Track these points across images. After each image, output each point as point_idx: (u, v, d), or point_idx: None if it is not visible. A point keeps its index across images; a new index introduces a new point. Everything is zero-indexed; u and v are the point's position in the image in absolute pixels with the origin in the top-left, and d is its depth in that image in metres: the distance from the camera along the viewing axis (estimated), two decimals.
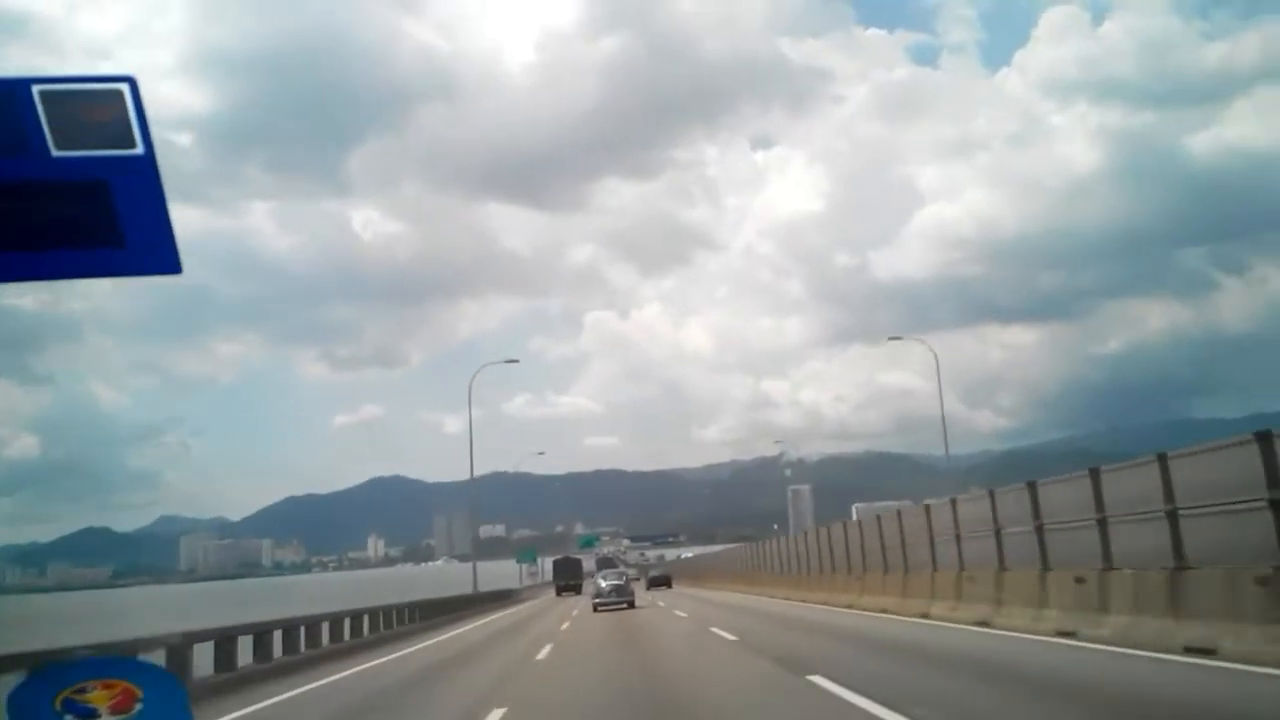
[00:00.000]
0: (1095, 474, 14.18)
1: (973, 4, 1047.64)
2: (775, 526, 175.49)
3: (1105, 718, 8.65)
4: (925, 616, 20.25)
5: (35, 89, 1.92)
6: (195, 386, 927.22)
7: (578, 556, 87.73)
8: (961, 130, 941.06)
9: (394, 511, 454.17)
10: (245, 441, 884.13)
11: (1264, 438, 10.42)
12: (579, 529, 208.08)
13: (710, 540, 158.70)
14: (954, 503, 20.99)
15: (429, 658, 21.47)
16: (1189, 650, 10.90)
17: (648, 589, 64.55)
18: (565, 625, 28.91)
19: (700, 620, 26.29)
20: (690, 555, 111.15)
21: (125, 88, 1.93)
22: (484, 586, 55.23)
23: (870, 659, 14.17)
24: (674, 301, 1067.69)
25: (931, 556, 21.83)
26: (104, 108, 1.92)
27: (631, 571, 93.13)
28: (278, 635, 19.94)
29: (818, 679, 11.32)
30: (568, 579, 71.07)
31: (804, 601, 31.44)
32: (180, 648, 14.98)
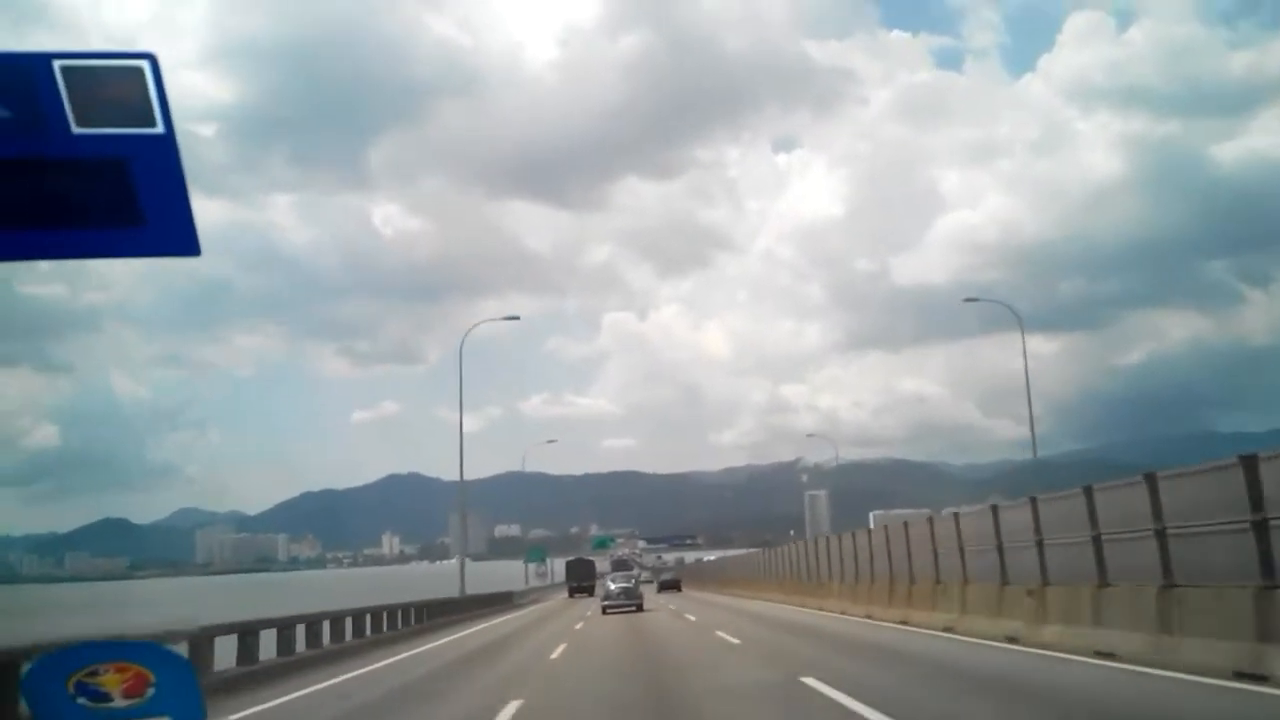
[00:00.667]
0: (1089, 491, 14.78)
1: (998, 8, 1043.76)
2: (792, 532, 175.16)
3: (1018, 704, 10.45)
4: (905, 623, 21.45)
5: (56, 64, 1.91)
6: (215, 379, 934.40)
7: (591, 558, 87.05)
8: (984, 135, 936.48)
9: (410, 509, 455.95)
10: (264, 435, 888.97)
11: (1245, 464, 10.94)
12: (594, 530, 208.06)
13: (728, 544, 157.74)
14: (957, 517, 21.66)
15: None
16: (1097, 654, 13.15)
17: (658, 591, 65.64)
18: (557, 653, 20.23)
19: (707, 624, 26.97)
20: (712, 558, 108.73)
21: (146, 65, 1.92)
22: (485, 588, 50.95)
23: (861, 663, 15.00)
24: (692, 303, 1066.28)
25: (935, 568, 22.12)
26: (124, 85, 1.92)
27: (644, 574, 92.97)
28: None
29: (810, 680, 12.18)
30: (580, 580, 70.94)
31: (820, 610, 31.20)
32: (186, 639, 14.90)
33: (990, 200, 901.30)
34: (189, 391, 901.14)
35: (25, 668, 3.02)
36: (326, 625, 22.51)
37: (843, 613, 27.30)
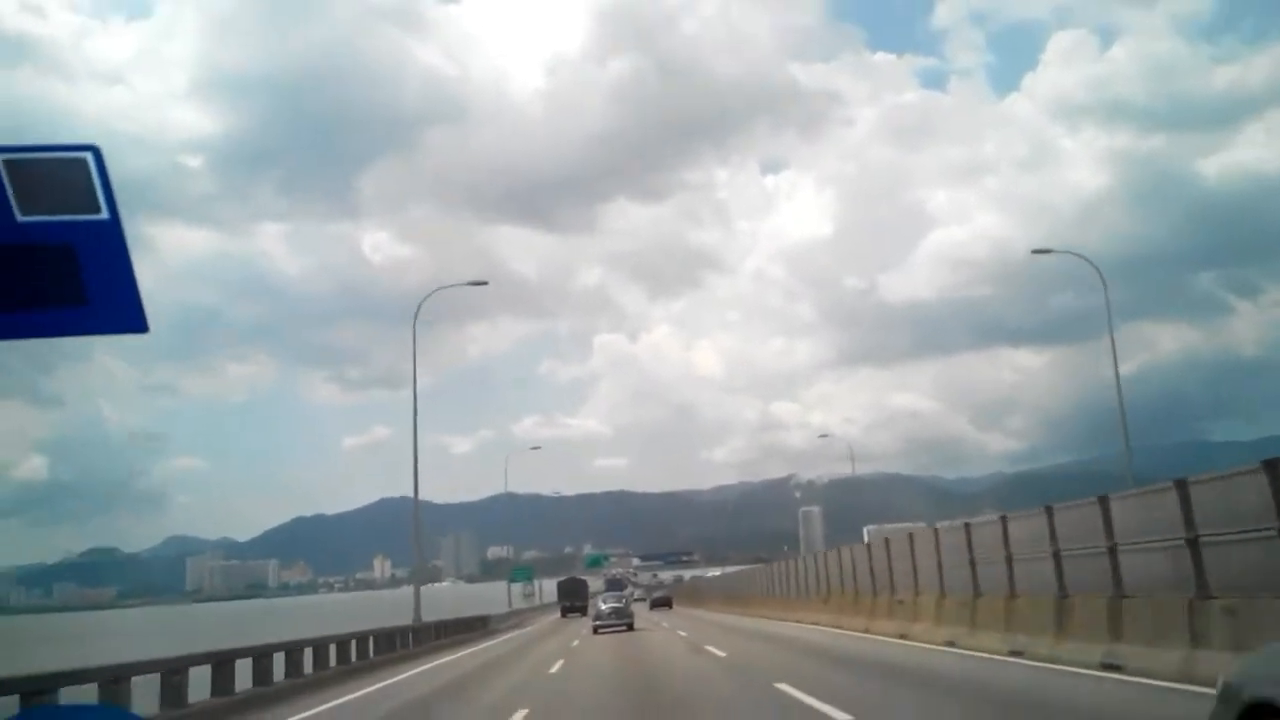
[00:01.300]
0: (1049, 510, 16.14)
1: (981, 28, 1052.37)
2: (786, 548, 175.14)
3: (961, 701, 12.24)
4: (904, 636, 22.26)
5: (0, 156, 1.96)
6: (205, 407, 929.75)
7: (583, 577, 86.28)
8: (971, 154, 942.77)
9: (402, 533, 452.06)
10: (255, 462, 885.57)
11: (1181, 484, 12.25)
12: (588, 550, 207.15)
13: (722, 561, 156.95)
14: (936, 532, 22.61)
15: None
16: (1012, 652, 15.73)
17: (650, 609, 68.37)
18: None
19: (697, 639, 28.30)
20: (714, 574, 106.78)
21: (89, 156, 1.97)
22: (464, 611, 46.65)
23: (835, 672, 16.49)
24: (683, 324, 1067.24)
25: (914, 582, 23.26)
26: (68, 174, 1.96)
27: (637, 593, 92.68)
28: None
29: (784, 686, 13.63)
30: (573, 600, 70.68)
31: (814, 624, 31.39)
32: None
33: (979, 217, 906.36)
34: (179, 420, 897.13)
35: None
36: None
37: (838, 627, 27.64)
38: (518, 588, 78.01)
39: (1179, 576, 12.00)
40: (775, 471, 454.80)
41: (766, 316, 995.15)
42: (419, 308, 37.82)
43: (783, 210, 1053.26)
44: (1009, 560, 17.40)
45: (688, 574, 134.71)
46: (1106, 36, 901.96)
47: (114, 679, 13.27)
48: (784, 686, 13.67)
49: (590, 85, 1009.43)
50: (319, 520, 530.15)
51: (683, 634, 32.39)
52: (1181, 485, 12.00)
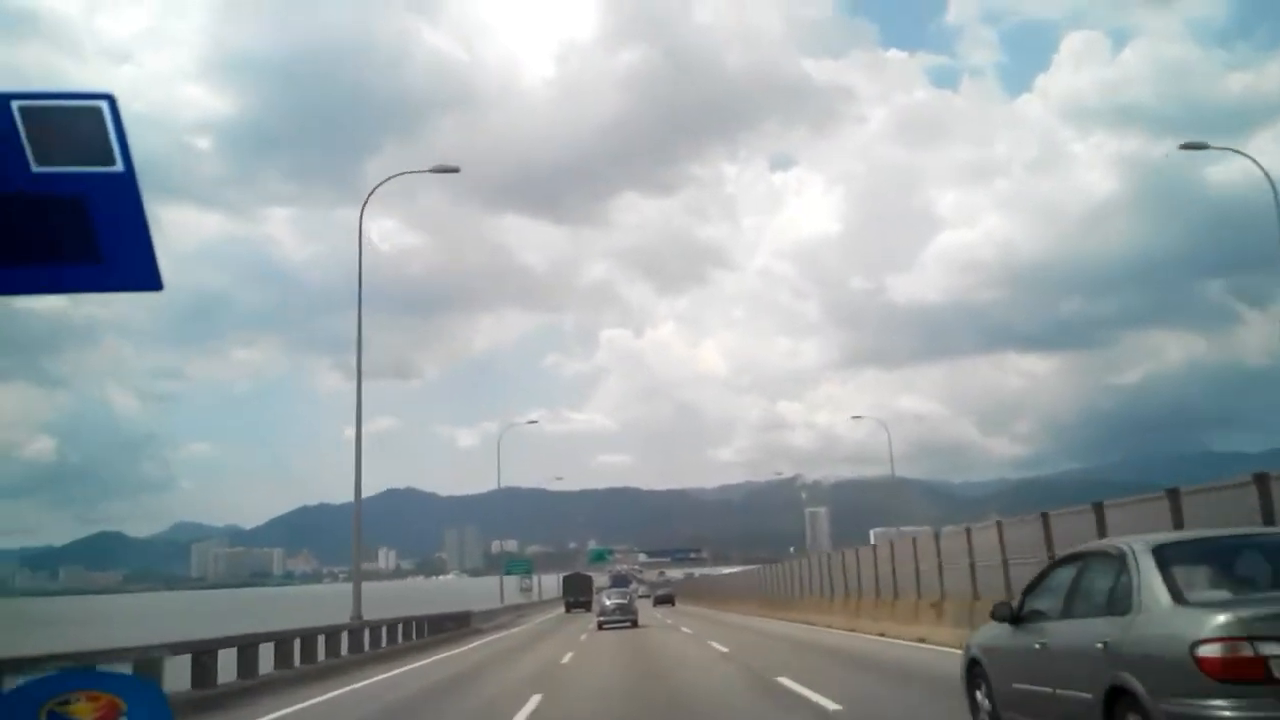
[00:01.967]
0: (1045, 517, 16.87)
1: (994, 27, 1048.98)
2: (792, 549, 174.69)
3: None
4: (922, 640, 22.76)
5: (15, 104, 1.92)
6: (212, 392, 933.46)
7: (588, 573, 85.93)
8: (981, 154, 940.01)
9: (407, 524, 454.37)
10: (261, 449, 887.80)
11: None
12: (593, 545, 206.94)
13: (726, 561, 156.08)
14: (936, 537, 23.50)
15: None
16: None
17: (654, 605, 71.07)
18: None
19: (702, 637, 28.93)
20: (725, 573, 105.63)
21: (104, 105, 1.93)
22: (459, 605, 43.14)
23: (834, 668, 17.06)
24: (689, 321, 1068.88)
25: (916, 584, 23.85)
26: (83, 124, 1.92)
27: (642, 589, 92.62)
28: None
29: (784, 679, 14.39)
30: (578, 595, 70.50)
31: (822, 626, 31.34)
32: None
33: (987, 219, 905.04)
34: (186, 405, 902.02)
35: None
36: None
37: (846, 629, 27.44)
38: (514, 581, 73.14)
39: None
40: (781, 471, 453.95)
41: (773, 315, 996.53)
42: (370, 194, 30.70)
43: (791, 208, 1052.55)
44: (1005, 565, 17.99)
45: (698, 571, 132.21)
46: (1120, 39, 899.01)
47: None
48: (784, 680, 14.41)
49: (600, 75, 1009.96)
50: (324, 509, 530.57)
51: (687, 631, 32.84)
52: (1174, 495, 12.57)
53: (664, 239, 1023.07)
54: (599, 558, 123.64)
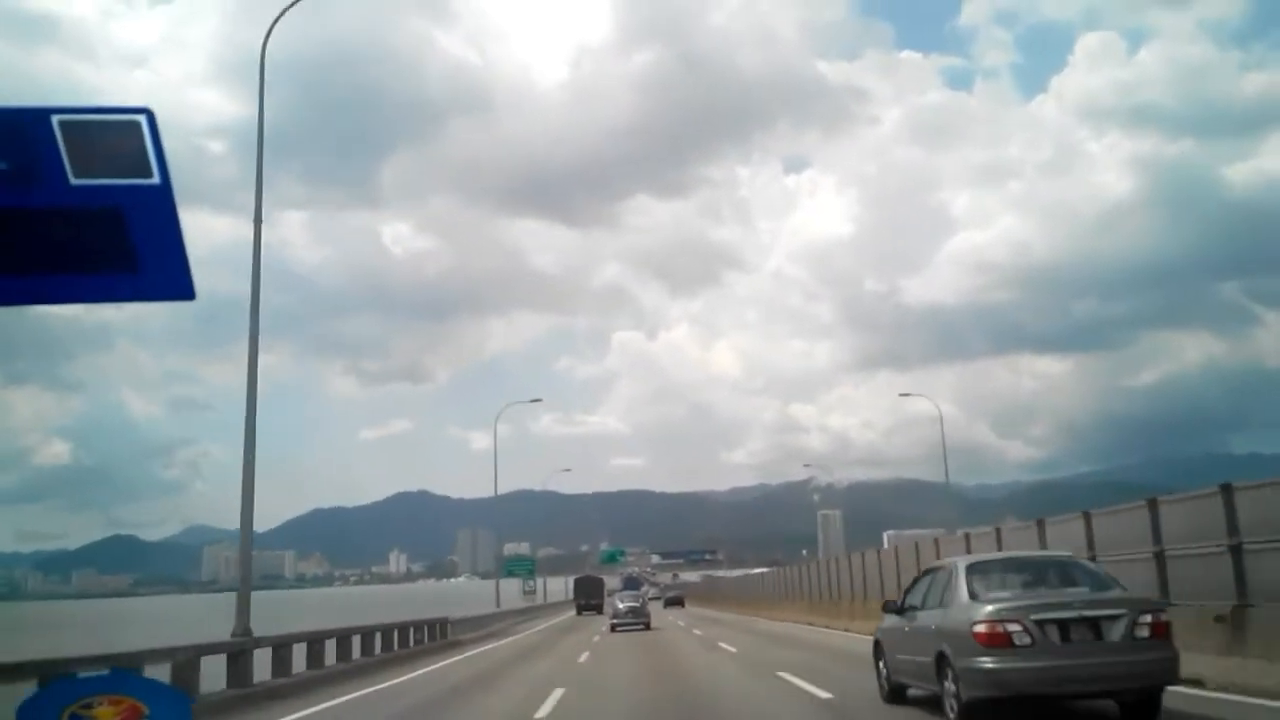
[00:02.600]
0: (1041, 523, 18.12)
1: (1009, 28, 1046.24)
2: (804, 551, 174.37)
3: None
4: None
5: (55, 119, 1.97)
6: (225, 396, 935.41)
7: (600, 575, 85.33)
8: (995, 156, 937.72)
9: (418, 527, 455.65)
10: (273, 452, 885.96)
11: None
12: (604, 548, 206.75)
13: (740, 563, 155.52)
14: (937, 542, 24.43)
15: None
16: None
17: (664, 607, 72.52)
18: None
19: (712, 638, 29.76)
20: (740, 575, 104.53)
21: (143, 119, 1.98)
22: (434, 611, 34.41)
23: (834, 666, 17.96)
24: (702, 323, 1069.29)
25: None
26: (121, 138, 1.97)
27: (653, 591, 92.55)
28: None
29: (784, 674, 15.88)
30: (588, 598, 69.95)
31: (826, 627, 31.58)
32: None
33: (1001, 221, 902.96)
34: (198, 408, 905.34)
35: (17, 695, 3.03)
36: None
37: (853, 631, 27.58)
38: (515, 584, 68.32)
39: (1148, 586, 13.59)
40: (793, 474, 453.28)
41: (786, 317, 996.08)
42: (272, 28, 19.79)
43: (804, 210, 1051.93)
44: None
45: (715, 574, 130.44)
46: (1135, 39, 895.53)
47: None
48: (784, 674, 15.86)
49: (614, 78, 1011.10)
50: (337, 512, 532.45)
51: (698, 633, 33.30)
52: (1153, 504, 13.99)
53: (677, 241, 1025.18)
54: (611, 559, 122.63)
